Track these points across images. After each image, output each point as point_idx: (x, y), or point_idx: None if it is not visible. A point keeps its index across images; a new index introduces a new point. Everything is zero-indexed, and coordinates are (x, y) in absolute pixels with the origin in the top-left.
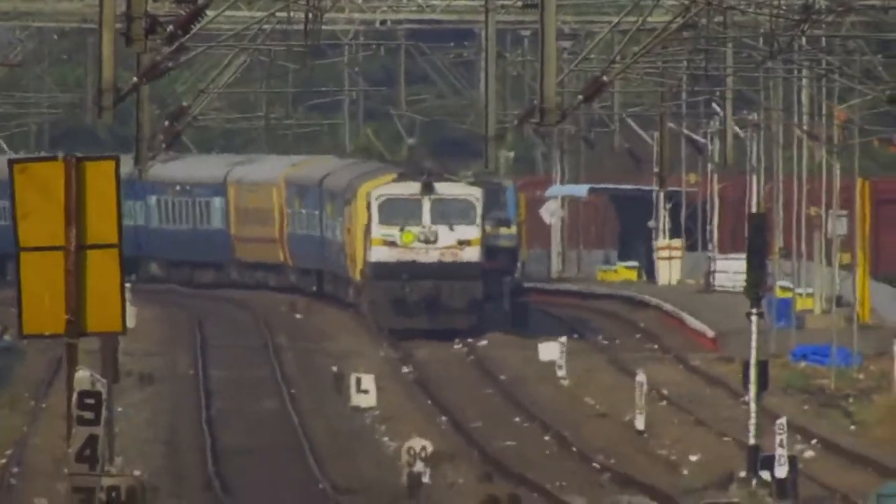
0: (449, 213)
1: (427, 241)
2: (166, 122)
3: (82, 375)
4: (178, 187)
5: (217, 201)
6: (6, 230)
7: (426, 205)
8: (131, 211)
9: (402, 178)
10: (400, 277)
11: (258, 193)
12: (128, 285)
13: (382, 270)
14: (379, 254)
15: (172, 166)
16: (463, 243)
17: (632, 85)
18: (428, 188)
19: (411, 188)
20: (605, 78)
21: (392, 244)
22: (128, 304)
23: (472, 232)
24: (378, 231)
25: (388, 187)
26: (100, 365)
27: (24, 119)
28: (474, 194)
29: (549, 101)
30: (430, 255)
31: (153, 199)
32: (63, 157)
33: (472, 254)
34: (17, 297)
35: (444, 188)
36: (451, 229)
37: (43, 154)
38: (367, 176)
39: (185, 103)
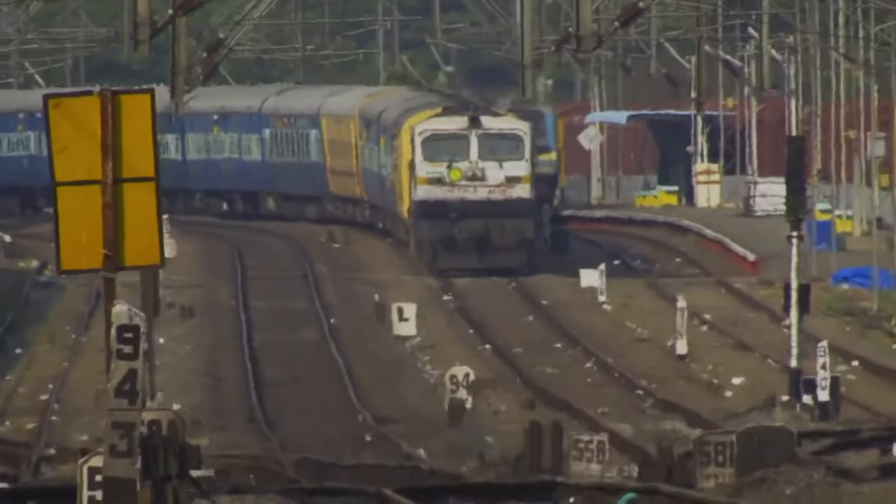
0: (497, 148)
1: (475, 179)
2: (203, 55)
3: (120, 309)
4: (285, 119)
5: (314, 133)
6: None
7: (473, 140)
8: (250, 145)
9: (447, 112)
10: (447, 216)
11: (341, 126)
12: (165, 216)
13: (429, 209)
14: (425, 192)
15: (283, 98)
16: (512, 180)
17: (668, 10)
18: (475, 122)
19: (457, 122)
20: (641, 3)
21: (438, 181)
22: (166, 237)
23: (522, 168)
24: (423, 168)
25: (433, 122)
26: (140, 298)
27: (60, 55)
28: (523, 128)
29: (586, 27)
30: (479, 193)
31: (267, 133)
32: (98, 91)
33: (522, 190)
34: (54, 232)
35: (491, 122)
36: (500, 166)
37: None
38: (414, 110)
39: (221, 35)
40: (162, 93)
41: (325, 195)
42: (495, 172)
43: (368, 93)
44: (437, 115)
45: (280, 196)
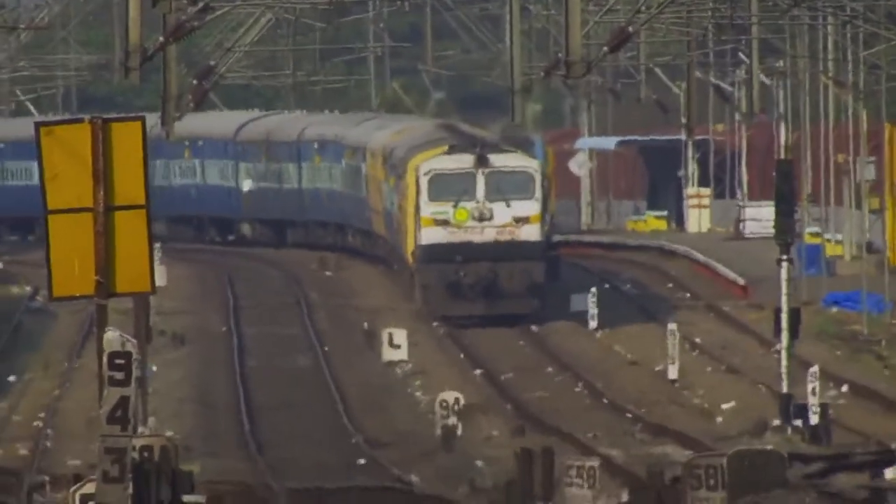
0: (505, 187)
1: (482, 219)
2: (194, 82)
3: (112, 336)
4: (351, 151)
5: (363, 168)
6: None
7: (480, 179)
8: (336, 174)
9: (453, 150)
10: (453, 260)
11: (375, 161)
12: (157, 245)
13: (434, 253)
14: (430, 235)
15: (358, 129)
16: (520, 221)
17: (658, 35)
18: (482, 161)
19: (464, 161)
20: (630, 29)
21: (444, 223)
22: (157, 264)
23: (531, 208)
24: (428, 209)
25: (439, 161)
26: (132, 325)
27: (51, 82)
28: (532, 166)
29: (575, 53)
30: (486, 235)
31: (343, 164)
32: (89, 118)
33: (532, 232)
34: (46, 259)
35: (499, 160)
36: (508, 206)
37: (69, 116)
38: (421, 147)
39: (211, 62)
40: (285, 120)
41: (370, 231)
42: (503, 212)
43: (398, 128)
44: (443, 154)
45: (354, 231)
